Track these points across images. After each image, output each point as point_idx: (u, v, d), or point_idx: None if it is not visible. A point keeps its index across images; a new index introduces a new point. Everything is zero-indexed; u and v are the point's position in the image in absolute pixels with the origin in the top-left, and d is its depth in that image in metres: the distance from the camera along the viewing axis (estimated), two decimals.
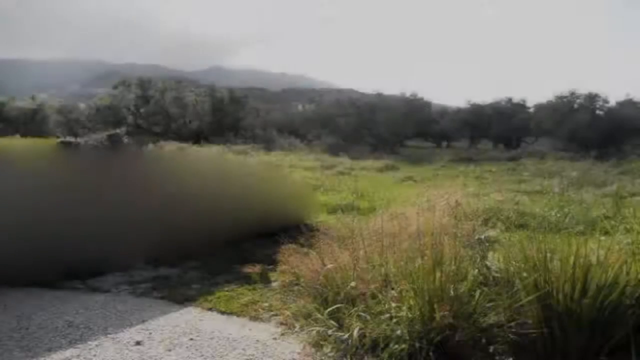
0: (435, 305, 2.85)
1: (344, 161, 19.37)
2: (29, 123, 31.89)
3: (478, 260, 3.39)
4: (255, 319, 3.74)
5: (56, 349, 3.13)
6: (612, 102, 28.36)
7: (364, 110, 32.98)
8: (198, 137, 29.33)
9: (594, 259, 2.80)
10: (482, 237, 3.68)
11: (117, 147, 5.30)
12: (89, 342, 3.23)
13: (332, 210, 7.89)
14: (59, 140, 5.34)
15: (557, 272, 2.81)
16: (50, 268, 4.44)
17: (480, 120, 33.00)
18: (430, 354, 2.75)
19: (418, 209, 3.61)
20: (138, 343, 3.24)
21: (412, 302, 2.96)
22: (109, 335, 3.35)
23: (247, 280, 4.62)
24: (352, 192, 10.35)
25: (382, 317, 3.02)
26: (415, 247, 3.22)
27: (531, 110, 32.34)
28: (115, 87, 31.70)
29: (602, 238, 3.42)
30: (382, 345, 2.88)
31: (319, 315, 3.39)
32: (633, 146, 24.14)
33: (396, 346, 2.81)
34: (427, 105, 36.12)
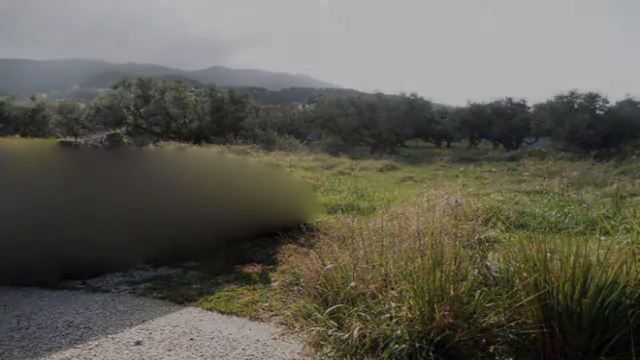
0: (435, 305, 2.85)
1: (344, 161, 19.37)
2: (29, 123, 31.91)
3: (478, 260, 3.39)
4: (255, 319, 3.74)
5: (56, 349, 3.13)
6: (612, 102, 28.38)
7: (364, 110, 32.96)
8: (198, 137, 29.32)
9: (594, 259, 2.80)
10: (482, 237, 3.68)
11: (117, 147, 5.30)
12: (89, 342, 3.23)
13: (332, 210, 7.90)
14: (59, 140, 5.33)
15: (557, 272, 2.81)
16: (50, 268, 4.44)
17: (480, 120, 32.98)
18: (430, 354, 2.75)
19: (418, 209, 3.61)
20: (138, 343, 3.24)
21: (412, 302, 2.96)
22: (109, 335, 3.35)
23: (247, 280, 4.62)
24: (352, 192, 10.35)
25: (382, 317, 3.03)
26: (415, 247, 3.22)
27: (531, 110, 32.33)
28: (115, 87, 31.66)
29: (602, 238, 3.41)
30: (382, 345, 2.88)
31: (319, 315, 3.40)
32: (633, 146, 24.12)
33: (396, 346, 2.82)
34: (427, 105, 36.10)
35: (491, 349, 2.90)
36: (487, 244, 3.66)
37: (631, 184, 11.45)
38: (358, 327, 3.00)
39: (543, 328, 2.76)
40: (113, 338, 3.32)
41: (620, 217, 6.48)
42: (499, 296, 2.98)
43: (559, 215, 7.16)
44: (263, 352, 3.15)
